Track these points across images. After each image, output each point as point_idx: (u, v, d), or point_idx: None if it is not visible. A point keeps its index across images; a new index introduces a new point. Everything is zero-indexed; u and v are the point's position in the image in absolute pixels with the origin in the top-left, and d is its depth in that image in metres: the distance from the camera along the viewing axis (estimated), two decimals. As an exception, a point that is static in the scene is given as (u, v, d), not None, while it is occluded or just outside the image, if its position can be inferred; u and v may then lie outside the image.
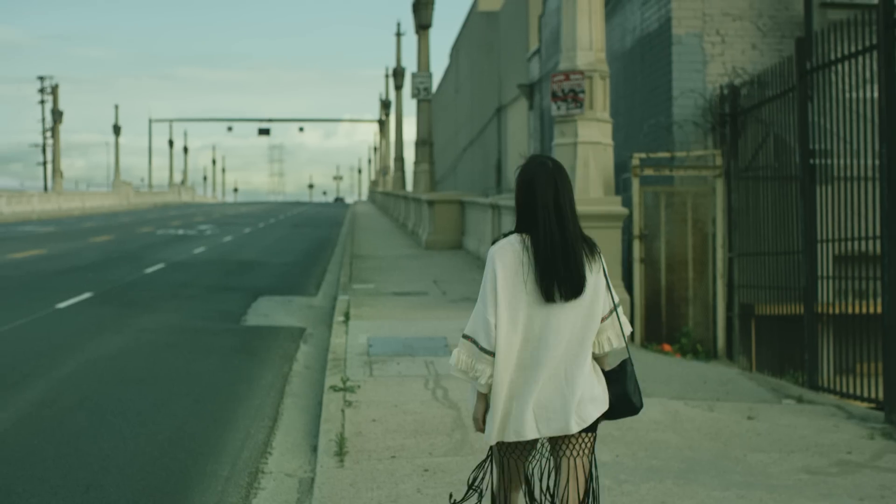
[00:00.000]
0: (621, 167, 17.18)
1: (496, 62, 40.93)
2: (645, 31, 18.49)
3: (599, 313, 4.84)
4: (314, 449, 8.62)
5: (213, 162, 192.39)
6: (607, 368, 4.99)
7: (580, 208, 15.87)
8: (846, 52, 11.30)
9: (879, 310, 10.29)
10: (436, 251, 29.37)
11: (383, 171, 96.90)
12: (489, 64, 42.47)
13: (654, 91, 17.84)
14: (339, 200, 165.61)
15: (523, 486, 5.13)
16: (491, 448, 5.12)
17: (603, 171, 15.26)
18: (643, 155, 16.17)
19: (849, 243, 11.63)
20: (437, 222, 30.90)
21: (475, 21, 46.79)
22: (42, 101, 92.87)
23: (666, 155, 16.31)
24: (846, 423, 9.25)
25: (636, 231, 15.86)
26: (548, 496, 5.11)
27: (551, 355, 4.74)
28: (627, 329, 4.98)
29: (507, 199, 24.66)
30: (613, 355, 5.01)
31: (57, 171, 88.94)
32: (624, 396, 4.93)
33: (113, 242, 36.35)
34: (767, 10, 16.90)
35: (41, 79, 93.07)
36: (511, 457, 5.00)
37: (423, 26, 40.59)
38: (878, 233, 10.82)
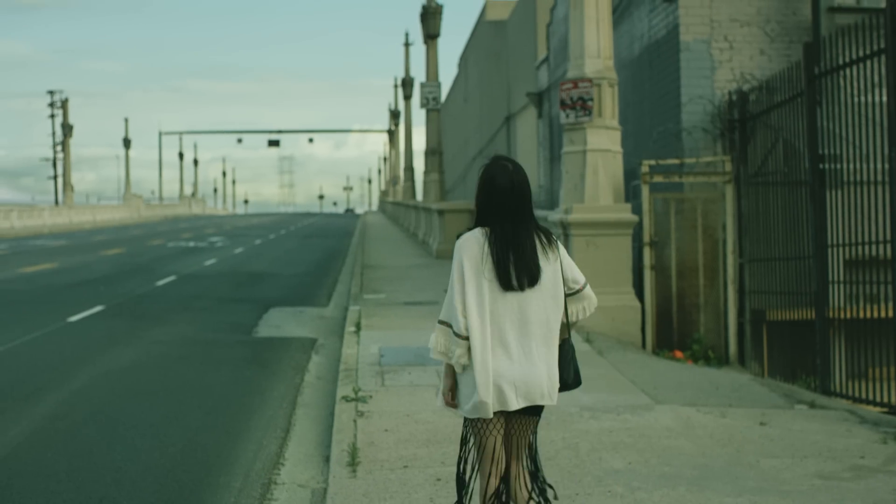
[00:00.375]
0: (631, 174, 17.17)
1: (504, 71, 40.95)
2: (653, 38, 18.50)
3: (562, 297, 5.37)
4: (326, 459, 8.62)
5: (224, 174, 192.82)
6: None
7: (589, 216, 15.85)
8: (854, 56, 11.30)
9: (891, 314, 10.28)
10: (446, 260, 29.34)
11: (393, 181, 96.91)
12: (498, 73, 42.50)
13: (663, 98, 17.84)
14: (349, 212, 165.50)
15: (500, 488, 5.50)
16: (467, 426, 5.55)
17: (612, 178, 15.27)
18: (653, 162, 16.16)
19: (859, 247, 11.62)
20: (448, 231, 30.89)
21: (483, 30, 46.85)
22: (52, 116, 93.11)
23: (675, 161, 16.30)
24: (859, 428, 9.23)
25: (646, 238, 15.85)
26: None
27: (524, 336, 5.27)
28: (594, 304, 5.55)
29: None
30: (564, 331, 5.45)
31: (67, 185, 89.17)
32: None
33: (124, 255, 36.42)
34: (775, 16, 16.89)
35: (51, 93, 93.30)
36: (486, 433, 5.42)
37: (431, 36, 40.68)
38: (888, 237, 10.82)
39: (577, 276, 5.48)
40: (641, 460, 8.02)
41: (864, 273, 11.70)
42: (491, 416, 5.27)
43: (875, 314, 11.29)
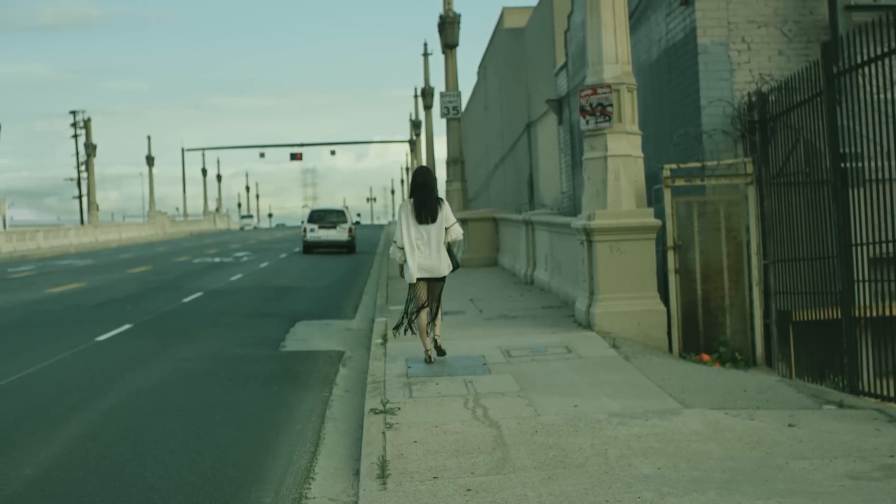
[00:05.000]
0: (652, 178, 17.16)
1: (524, 78, 40.90)
2: (670, 42, 18.49)
3: (444, 228, 12.48)
4: (357, 473, 8.65)
5: (247, 188, 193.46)
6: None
7: (612, 221, 15.94)
8: (873, 54, 11.28)
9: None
10: (471, 269, 29.40)
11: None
12: (517, 80, 42.45)
13: (683, 101, 17.83)
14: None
15: (424, 305, 12.83)
16: (409, 287, 12.96)
17: (634, 183, 15.27)
18: (674, 165, 16.14)
19: (884, 245, 11.58)
20: (472, 240, 30.94)
21: (501, 38, 46.81)
22: (75, 136, 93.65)
23: (697, 165, 16.28)
24: (888, 427, 9.20)
25: (670, 242, 15.83)
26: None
27: (428, 246, 12.52)
28: (456, 234, 12.68)
29: (541, 215, 24.67)
30: (449, 244, 12.72)
31: (92, 204, 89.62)
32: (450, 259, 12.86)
33: (150, 273, 36.61)
34: (792, 16, 16.86)
35: (73, 113, 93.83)
36: (418, 288, 12.75)
37: (449, 46, 40.70)
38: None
39: (449, 219, 12.63)
40: (671, 465, 8.03)
41: (889, 271, 11.67)
42: (415, 281, 12.65)
43: (902, 312, 11.25)
